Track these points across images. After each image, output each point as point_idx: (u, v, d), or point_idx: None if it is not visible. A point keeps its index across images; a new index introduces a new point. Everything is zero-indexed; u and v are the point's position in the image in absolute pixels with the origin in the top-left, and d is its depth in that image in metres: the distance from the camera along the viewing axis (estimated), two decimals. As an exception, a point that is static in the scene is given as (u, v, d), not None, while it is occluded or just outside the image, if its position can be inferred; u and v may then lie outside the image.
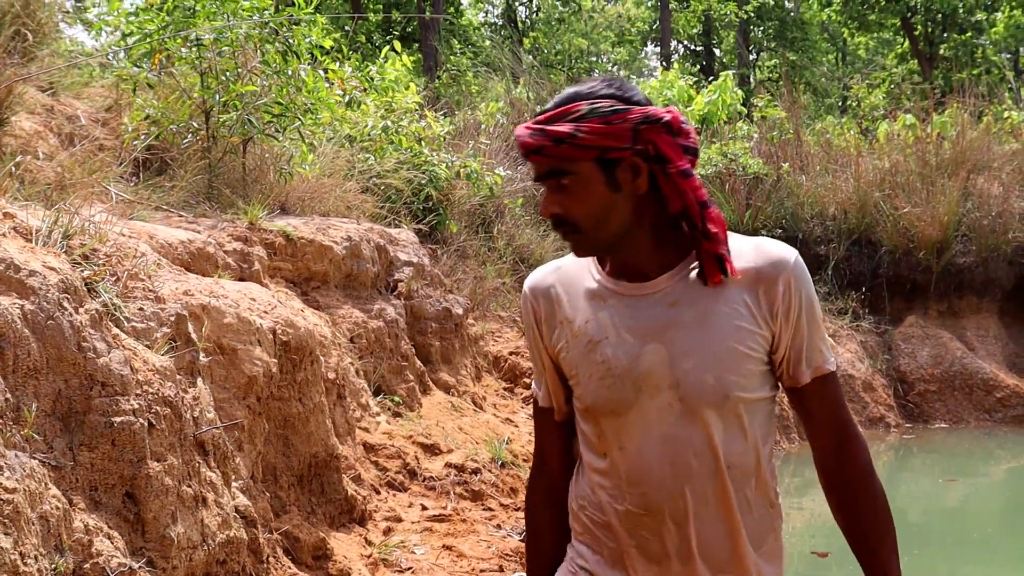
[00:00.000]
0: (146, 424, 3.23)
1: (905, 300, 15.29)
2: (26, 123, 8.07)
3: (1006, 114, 18.42)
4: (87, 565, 2.79)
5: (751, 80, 20.92)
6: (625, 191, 2.50)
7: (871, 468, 2.56)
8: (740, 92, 19.52)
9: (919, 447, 13.50)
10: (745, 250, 2.54)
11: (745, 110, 19.70)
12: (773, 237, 14.44)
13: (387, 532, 6.13)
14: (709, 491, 2.54)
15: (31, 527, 2.31)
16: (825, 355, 2.54)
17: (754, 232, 15.36)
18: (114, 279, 3.73)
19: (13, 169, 5.00)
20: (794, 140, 16.99)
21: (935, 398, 14.45)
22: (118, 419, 3.12)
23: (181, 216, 6.98)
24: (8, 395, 2.61)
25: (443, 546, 6.15)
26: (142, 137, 7.90)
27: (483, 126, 15.47)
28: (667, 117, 2.49)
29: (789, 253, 2.52)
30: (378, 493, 6.58)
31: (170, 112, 7.95)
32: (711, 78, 19.65)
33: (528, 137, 2.51)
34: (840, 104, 22.76)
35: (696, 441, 2.53)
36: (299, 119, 8.50)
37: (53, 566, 2.51)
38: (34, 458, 2.65)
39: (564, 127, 2.47)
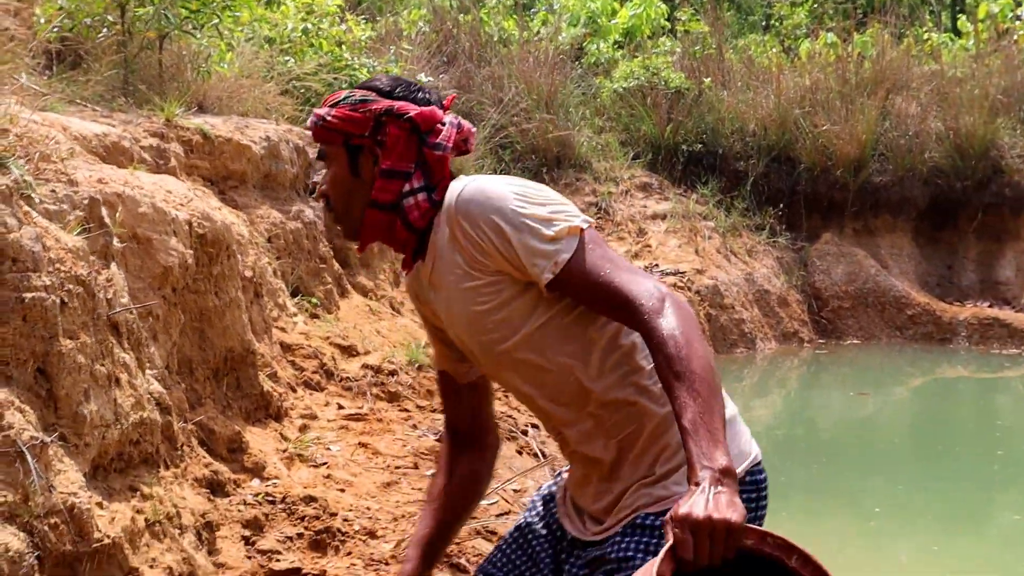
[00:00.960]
0: (58, 301, 3.20)
1: (822, 217, 15.49)
2: (-66, 12, 7.86)
3: (926, 36, 18.60)
4: (-2, 437, 2.78)
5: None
6: (364, 177, 2.66)
7: (679, 321, 2.32)
8: (664, 7, 19.50)
9: (831, 362, 13.75)
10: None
11: (669, 25, 19.68)
12: (693, 152, 14.55)
13: (303, 429, 6.15)
14: (568, 428, 2.64)
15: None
16: (548, 250, 2.44)
17: (675, 147, 15.45)
18: (25, 159, 3.67)
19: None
20: (716, 55, 17.04)
21: (848, 315, 14.71)
22: (29, 295, 3.09)
23: (95, 110, 6.86)
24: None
25: (359, 443, 6.19)
26: (55, 29, 7.72)
27: (405, 33, 15.32)
28: (412, 113, 2.61)
29: (452, 199, 2.55)
30: (294, 392, 6.58)
31: (84, 4, 7.77)
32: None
33: (311, 119, 2.73)
34: (763, 22, 22.80)
35: (524, 391, 2.67)
36: (217, 16, 8.37)
37: (-38, 431, 2.50)
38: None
39: (323, 110, 2.67)
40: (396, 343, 8.23)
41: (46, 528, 2.81)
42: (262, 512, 4.73)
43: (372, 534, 4.89)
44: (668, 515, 2.08)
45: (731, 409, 2.59)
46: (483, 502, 5.64)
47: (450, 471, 2.99)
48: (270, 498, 4.90)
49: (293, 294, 7.81)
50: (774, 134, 15.50)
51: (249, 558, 4.39)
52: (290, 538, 4.66)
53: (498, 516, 5.55)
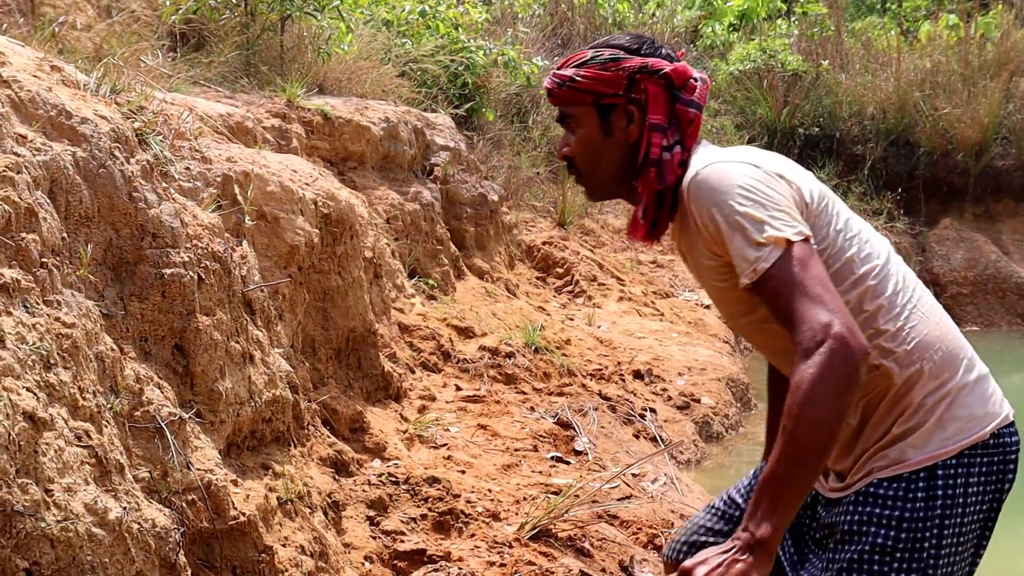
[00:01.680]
0: (196, 278, 3.21)
1: (941, 202, 15.13)
2: (64, -7, 7.99)
3: (1052, 17, 18.06)
4: (138, 412, 2.78)
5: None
6: (618, 137, 2.64)
7: (817, 376, 2.26)
8: (781, -11, 19.20)
9: (951, 349, 13.38)
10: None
11: (785, 7, 19.37)
12: (810, 135, 14.25)
13: (422, 410, 6.15)
14: None
15: (89, 363, 2.30)
16: (751, 256, 2.39)
17: (791, 131, 15.22)
18: (161, 136, 3.69)
19: (56, 29, 4.94)
20: (835, 37, 16.72)
21: (967, 301, 14.35)
22: (168, 271, 3.10)
23: (219, 91, 6.92)
24: (64, 234, 2.58)
25: (478, 425, 6.17)
26: (180, 11, 7.81)
27: (520, 16, 15.27)
28: (667, 69, 2.60)
29: (688, 177, 2.52)
30: (413, 372, 6.58)
31: (208, -14, 7.86)
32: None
33: (546, 81, 2.71)
34: (880, 5, 22.34)
35: (772, 352, 2.75)
36: (338, -2, 8.40)
37: (109, 405, 2.50)
38: (90, 299, 2.63)
39: (567, 71, 2.64)
40: (512, 325, 8.20)
41: (184, 504, 2.82)
42: (386, 493, 4.73)
43: (495, 516, 4.86)
44: (685, 563, 2.17)
45: (979, 369, 2.60)
46: (604, 486, 5.60)
47: (775, 388, 3.02)
48: (393, 479, 4.89)
49: (410, 275, 7.82)
50: (893, 117, 15.17)
51: (374, 538, 4.39)
52: (414, 519, 4.65)
53: (619, 500, 5.49)
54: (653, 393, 8.27)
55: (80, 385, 2.19)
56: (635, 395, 7.95)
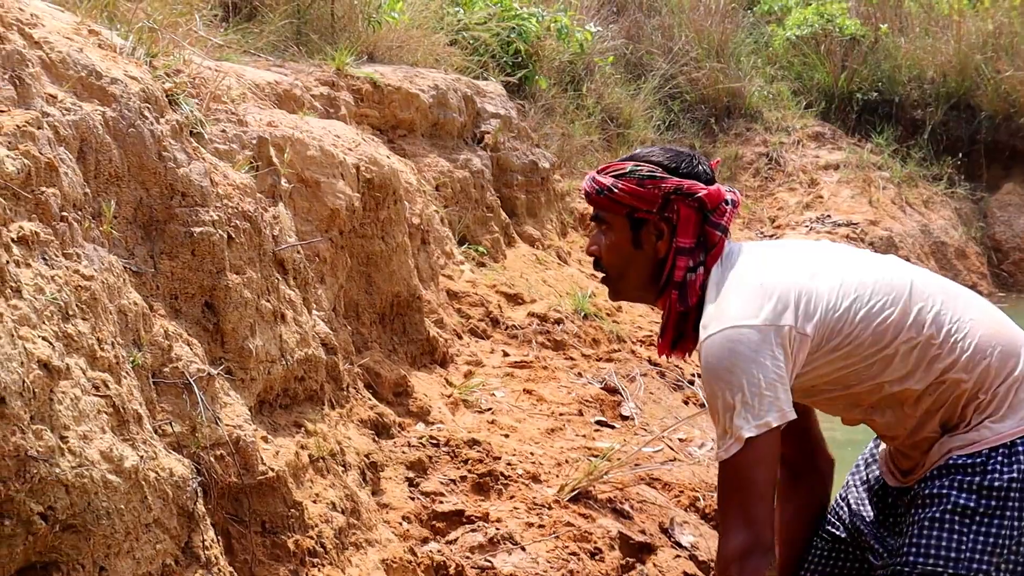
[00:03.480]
0: (225, 236, 3.24)
1: (1003, 167, 14.91)
2: (115, -36, 8.06)
3: (1120, -23, 17.70)
4: (167, 368, 2.83)
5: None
6: (647, 250, 2.78)
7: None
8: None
9: (1012, 315, 13.11)
10: None
11: (844, -28, 19.13)
12: (868, 100, 14.10)
13: (468, 375, 6.17)
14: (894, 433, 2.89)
15: (109, 316, 2.34)
16: (718, 438, 2.66)
17: (849, 96, 15.06)
18: (197, 99, 3.73)
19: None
20: (894, 1, 16.50)
21: (1031, 266, 14.17)
22: (198, 229, 3.14)
23: (269, 60, 6.96)
24: (87, 189, 2.62)
25: (523, 390, 6.18)
26: (232, -19, 7.84)
27: (574, -17, 15.21)
28: (701, 194, 2.72)
29: (702, 336, 2.67)
30: (460, 338, 6.61)
31: (259, -45, 7.89)
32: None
33: (585, 182, 2.84)
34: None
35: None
36: (389, -36, 8.41)
37: (131, 358, 2.54)
38: (115, 254, 2.67)
39: (607, 180, 2.76)
40: (562, 292, 8.20)
41: (212, 459, 2.86)
42: (426, 454, 4.76)
43: (535, 478, 4.88)
44: None
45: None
46: (647, 449, 5.60)
47: (787, 499, 3.17)
48: (434, 441, 4.92)
49: (460, 242, 7.84)
50: (953, 81, 14.97)
51: (412, 499, 4.42)
52: (453, 480, 4.67)
53: (663, 463, 5.50)
54: (703, 359, 8.24)
55: (99, 336, 2.23)
56: (685, 361, 7.93)
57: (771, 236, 12.83)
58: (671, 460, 5.59)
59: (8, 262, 1.99)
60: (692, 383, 7.51)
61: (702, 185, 2.74)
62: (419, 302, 5.84)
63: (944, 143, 14.83)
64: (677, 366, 7.71)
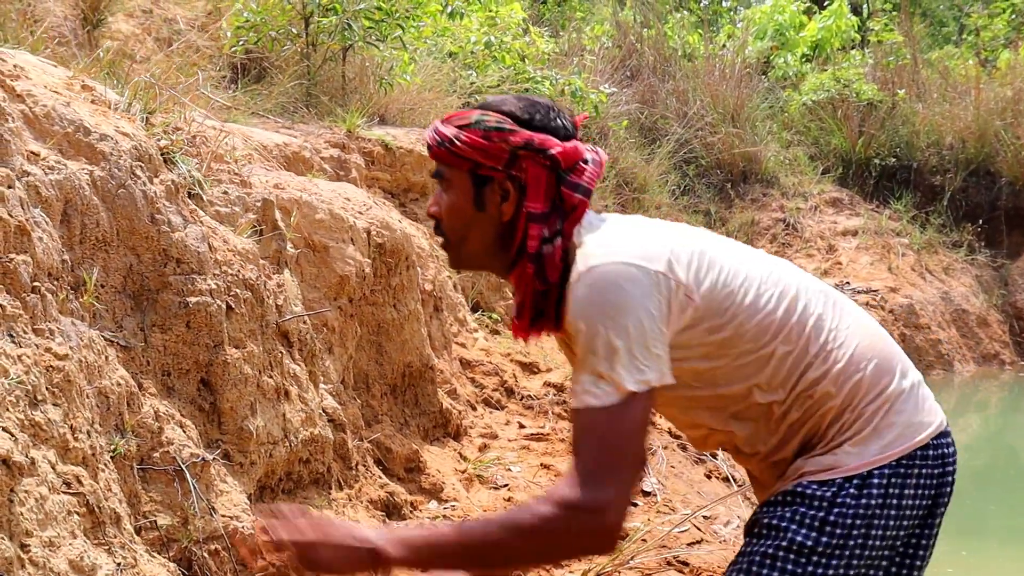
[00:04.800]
0: (224, 306, 2.98)
1: (1024, 234, 14.67)
2: (123, 25, 7.90)
3: None
4: (156, 454, 2.55)
5: (866, 8, 20.20)
6: (490, 212, 2.39)
7: (523, 519, 2.20)
8: (855, 19, 18.85)
9: (1037, 387, 12.97)
10: None
11: (859, 37, 19.01)
12: (886, 166, 13.94)
13: (482, 448, 5.89)
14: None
15: (84, 400, 2.06)
16: (578, 387, 2.26)
17: (867, 161, 14.88)
18: (196, 158, 3.48)
19: (100, 55, 4.78)
20: (911, 66, 16.34)
21: (1053, 336, 13.91)
22: (194, 299, 2.88)
23: (278, 122, 6.75)
24: (66, 257, 2.36)
25: (540, 465, 5.89)
26: (240, 42, 7.69)
27: (588, 48, 15.07)
28: (556, 151, 2.33)
29: (575, 277, 2.31)
30: (474, 409, 6.33)
31: (269, 17, 7.73)
32: (825, 3, 18.97)
33: (427, 132, 2.44)
34: (957, 34, 21.93)
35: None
36: (400, 27, 8.22)
37: (112, 446, 2.26)
38: (96, 330, 2.40)
39: (449, 130, 2.37)
40: (579, 361, 7.92)
41: (205, 555, 2.57)
42: (440, 537, 4.46)
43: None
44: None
45: (913, 375, 2.45)
46: (674, 530, 5.30)
47: None
48: (448, 522, 4.63)
49: (473, 309, 7.59)
50: (973, 147, 14.76)
51: (425, 587, 4.12)
52: (468, 566, 4.37)
53: (689, 545, 5.19)
54: (725, 431, 7.96)
55: (72, 424, 1.95)
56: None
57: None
58: (698, 541, 5.28)
59: (-34, 340, 1.72)
60: (715, 456, 7.21)
61: (556, 141, 2.34)
62: (432, 372, 5.57)
63: (964, 209, 14.60)
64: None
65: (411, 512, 4.60)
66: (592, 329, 2.23)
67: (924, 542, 2.44)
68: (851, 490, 2.34)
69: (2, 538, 1.63)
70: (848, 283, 13.11)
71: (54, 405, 1.91)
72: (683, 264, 2.32)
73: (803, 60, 17.86)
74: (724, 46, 17.19)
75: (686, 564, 4.93)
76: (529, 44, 11.53)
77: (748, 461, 2.57)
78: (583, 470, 2.18)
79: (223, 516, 2.70)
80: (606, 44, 15.69)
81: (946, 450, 2.44)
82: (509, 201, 2.36)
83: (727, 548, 5.53)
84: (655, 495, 6.01)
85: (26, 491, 1.71)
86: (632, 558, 4.60)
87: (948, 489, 2.44)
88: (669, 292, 2.28)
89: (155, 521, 2.41)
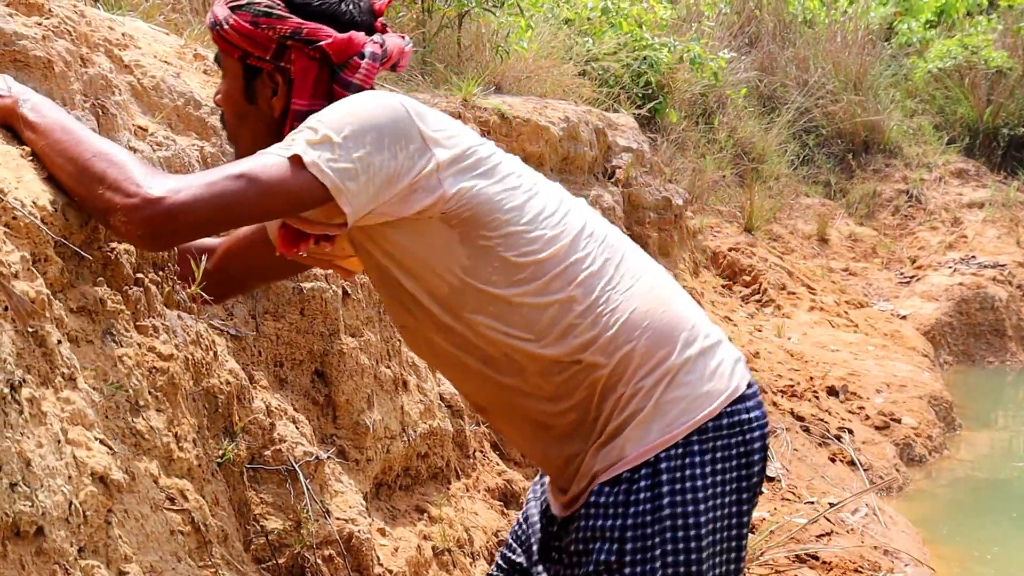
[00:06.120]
0: (340, 292, 2.81)
1: None
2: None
3: None
4: (267, 452, 2.38)
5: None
6: (261, 107, 2.19)
7: (117, 181, 1.83)
8: (982, -17, 18.23)
9: None
10: None
11: (987, 2, 18.38)
12: (1015, 136, 13.45)
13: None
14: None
15: (191, 403, 1.89)
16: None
17: (994, 131, 14.39)
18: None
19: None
20: (1044, 31, 15.76)
21: None
22: (308, 285, 2.71)
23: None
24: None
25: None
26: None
27: (706, 14, 14.73)
28: (325, 43, 2.11)
29: None
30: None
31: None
32: (951, -33, 18.39)
33: (209, 12, 2.23)
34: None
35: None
36: (517, -8, 8.03)
37: (220, 451, 2.10)
38: (205, 319, 2.23)
39: (221, 11, 2.15)
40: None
41: (319, 561, 2.39)
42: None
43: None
44: None
45: (704, 341, 2.18)
46: (799, 519, 5.04)
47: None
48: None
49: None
50: (1107, 117, 14.20)
51: (545, 582, 3.93)
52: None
53: (819, 538, 4.94)
54: (849, 412, 7.70)
55: (177, 431, 1.78)
56: (830, 414, 7.39)
57: (912, 278, 12.17)
58: (827, 533, 5.03)
59: (60, 341, 1.54)
60: (840, 438, 6.93)
61: (330, 31, 2.13)
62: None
63: (1098, 183, 14.05)
64: (821, 419, 7.14)
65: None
66: (328, 115, 2.02)
67: (744, 519, 2.20)
68: (642, 483, 2.10)
69: (98, 566, 1.45)
70: (974, 257, 12.69)
71: (157, 411, 1.74)
72: (452, 152, 2.08)
73: (928, 26, 17.32)
74: (846, 12, 16.71)
75: (816, 558, 4.69)
76: (647, 10, 11.24)
77: (518, 432, 2.31)
78: (195, 181, 1.89)
79: (338, 519, 2.52)
80: (724, 10, 15.34)
81: (744, 415, 2.17)
82: (279, 96, 2.17)
83: (856, 539, 5.28)
84: (779, 480, 5.77)
85: (125, 510, 1.54)
86: (762, 553, 4.37)
87: (757, 457, 2.18)
88: (420, 162, 2.05)
89: (264, 527, 2.24)
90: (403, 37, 2.27)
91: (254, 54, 2.15)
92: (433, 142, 2.07)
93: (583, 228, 2.19)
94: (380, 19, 2.27)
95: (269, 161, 1.95)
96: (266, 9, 2.13)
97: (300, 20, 2.13)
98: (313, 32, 2.13)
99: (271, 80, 2.17)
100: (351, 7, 2.20)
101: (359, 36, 2.16)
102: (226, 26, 2.14)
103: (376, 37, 2.20)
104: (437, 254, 2.09)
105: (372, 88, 2.17)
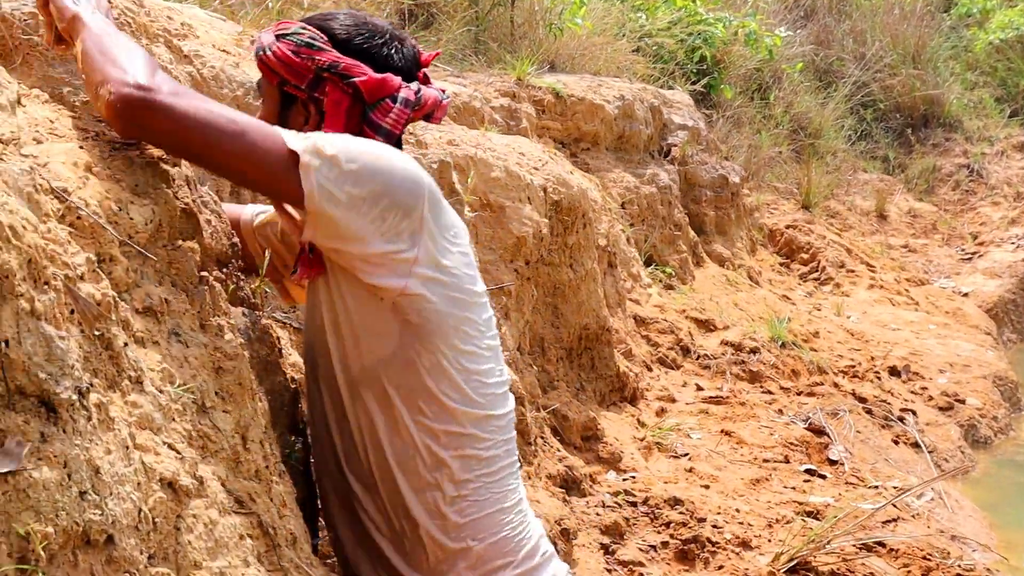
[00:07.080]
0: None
1: None
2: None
3: None
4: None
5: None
6: None
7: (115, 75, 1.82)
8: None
9: None
10: None
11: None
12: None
13: (660, 413, 5.64)
14: None
15: (258, 403, 1.86)
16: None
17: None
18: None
19: (269, 5, 4.62)
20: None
21: None
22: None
23: (447, 70, 6.53)
24: (235, 239, 2.15)
25: (721, 431, 5.62)
26: (409, -12, 7.48)
27: (761, -13, 14.56)
28: (360, 79, 2.12)
29: None
30: (649, 370, 6.07)
31: (436, -39, 7.51)
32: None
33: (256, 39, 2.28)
34: None
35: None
36: (570, -32, 7.94)
37: (289, 450, 2.07)
38: (268, 311, 2.20)
39: (267, 38, 2.19)
40: (755, 316, 7.60)
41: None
42: (622, 516, 4.23)
43: (745, 544, 4.31)
44: None
45: (542, 556, 2.23)
46: (867, 505, 4.97)
47: None
48: (631, 499, 4.39)
49: (646, 263, 7.31)
50: None
51: (609, 571, 3.89)
52: (653, 547, 4.13)
53: (885, 524, 4.86)
54: (912, 392, 7.59)
55: (244, 434, 1.74)
56: (892, 395, 7.29)
57: (974, 254, 11.98)
58: (894, 519, 4.95)
59: (127, 343, 1.51)
60: (903, 420, 6.84)
61: (366, 69, 2.13)
62: (608, 334, 5.33)
63: None
64: (884, 400, 7.05)
65: (590, 487, 4.38)
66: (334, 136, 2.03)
67: None
68: None
69: (168, 573, 1.43)
70: (1036, 234, 12.47)
71: (224, 412, 1.70)
72: (441, 267, 2.09)
73: (989, -4, 17.05)
74: (903, -16, 16.47)
75: (883, 545, 4.62)
76: (701, -15, 11.11)
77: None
78: (198, 100, 1.89)
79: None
80: (779, -16, 15.15)
81: None
82: (310, 125, 2.17)
83: (922, 525, 5.20)
84: (842, 464, 5.69)
85: (194, 516, 1.51)
86: (828, 542, 4.30)
87: None
88: (404, 245, 2.02)
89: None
90: (443, 91, 2.27)
91: (291, 82, 2.16)
92: (429, 235, 2.05)
93: (504, 415, 2.22)
94: (424, 70, 2.28)
95: (271, 135, 1.95)
96: (309, 40, 2.15)
97: (339, 55, 2.15)
98: (349, 68, 2.14)
99: (305, 109, 2.18)
100: (393, 51, 2.20)
101: (394, 79, 2.16)
102: (269, 52, 2.16)
103: (413, 85, 2.20)
104: (370, 335, 2.06)
105: (400, 134, 2.19)
